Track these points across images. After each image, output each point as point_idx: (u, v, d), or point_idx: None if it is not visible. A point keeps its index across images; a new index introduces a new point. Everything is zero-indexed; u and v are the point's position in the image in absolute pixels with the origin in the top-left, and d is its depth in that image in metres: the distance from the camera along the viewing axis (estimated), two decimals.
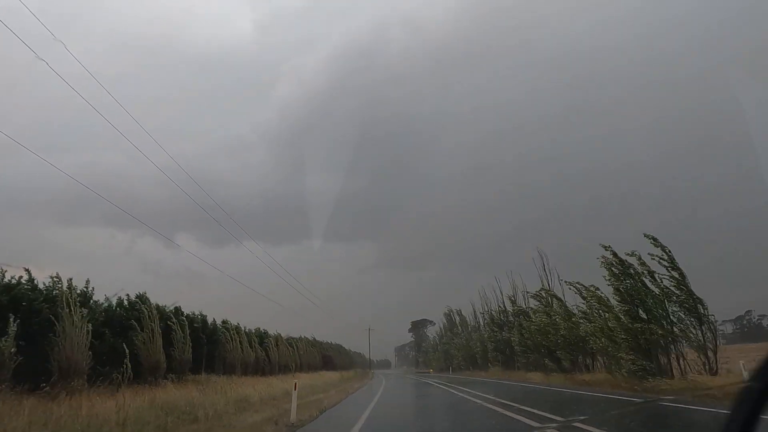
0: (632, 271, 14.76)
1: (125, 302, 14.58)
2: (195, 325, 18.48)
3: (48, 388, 8.95)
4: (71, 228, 79.02)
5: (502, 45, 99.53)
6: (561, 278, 23.65)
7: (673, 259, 13.98)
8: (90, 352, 10.42)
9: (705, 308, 12.98)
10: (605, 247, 15.95)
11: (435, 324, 73.78)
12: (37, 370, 9.35)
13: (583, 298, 19.36)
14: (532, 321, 23.42)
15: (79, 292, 12.38)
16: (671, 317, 13.58)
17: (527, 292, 26.69)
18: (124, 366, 10.73)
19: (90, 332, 10.08)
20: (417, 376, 40.46)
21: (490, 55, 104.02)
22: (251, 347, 22.50)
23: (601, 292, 15.65)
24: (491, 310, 37.51)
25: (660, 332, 13.00)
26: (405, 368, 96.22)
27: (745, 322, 78.69)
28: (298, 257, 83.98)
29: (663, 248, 14.30)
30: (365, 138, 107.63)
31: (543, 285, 25.01)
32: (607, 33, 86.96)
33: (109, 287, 14.28)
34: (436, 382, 24.16)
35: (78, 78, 12.07)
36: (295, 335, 34.87)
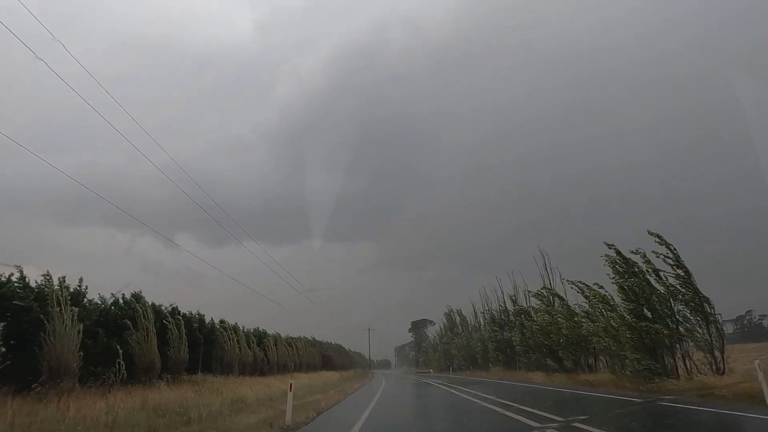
0: (636, 269, 14.50)
1: (120, 301, 14.37)
2: (192, 324, 18.27)
3: (39, 388, 8.72)
4: (71, 228, 78.90)
5: (502, 45, 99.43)
6: (563, 277, 23.44)
7: (679, 257, 13.70)
8: (81, 352, 10.18)
9: (711, 307, 12.70)
10: (609, 245, 15.69)
11: (435, 324, 73.66)
12: (26, 370, 9.10)
13: (586, 297, 19.13)
14: (533, 320, 23.15)
15: (72, 290, 12.18)
16: (676, 316, 13.31)
17: (529, 291, 26.43)
18: (117, 366, 10.47)
19: (81, 331, 9.82)
20: (417, 377, 40.20)
21: (490, 55, 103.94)
22: (249, 347, 22.25)
23: (606, 291, 15.36)
24: (492, 309, 37.28)
25: (666, 331, 12.73)
26: (405, 368, 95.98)
27: (745, 321, 78.59)
28: (298, 257, 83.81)
29: (668, 246, 14.01)
30: (365, 138, 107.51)
31: (544, 284, 24.74)
32: (607, 33, 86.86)
33: (109, 287, 14.17)
34: (436, 382, 23.90)
35: (78, 78, 12.03)
36: (295, 335, 34.71)
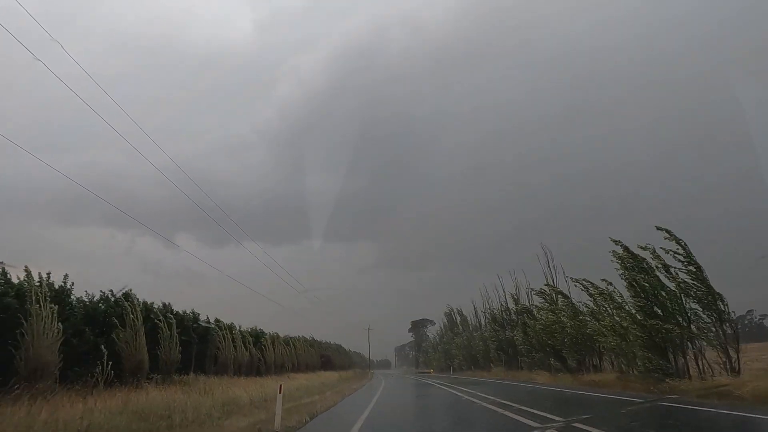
0: (645, 265, 13.96)
1: (111, 299, 13.86)
2: (185, 323, 17.73)
3: (18, 389, 8.20)
4: (71, 228, 78.32)
5: (502, 45, 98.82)
6: (566, 275, 22.91)
7: (690, 252, 13.15)
8: (62, 352, 9.66)
9: (725, 304, 12.16)
10: (615, 241, 15.17)
11: (435, 324, 73.16)
12: (3, 370, 8.58)
13: (590, 295, 18.61)
14: (536, 319, 22.61)
15: (57, 287, 11.66)
16: (688, 313, 12.76)
17: (532, 289, 25.88)
18: (101, 366, 9.93)
19: (61, 331, 9.29)
20: (417, 377, 39.64)
21: (490, 55, 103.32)
22: (245, 347, 21.71)
23: (614, 287, 14.82)
24: (493, 308, 36.74)
25: (677, 330, 12.18)
26: (405, 368, 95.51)
27: (746, 321, 78.16)
28: (298, 257, 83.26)
29: (678, 241, 13.47)
30: (365, 138, 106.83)
31: (547, 282, 24.18)
32: (607, 33, 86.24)
33: (110, 287, 13.76)
34: (437, 383, 23.35)
35: (78, 78, 11.88)
36: (295, 335, 34.19)
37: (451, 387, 18.43)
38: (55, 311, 9.29)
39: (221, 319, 21.40)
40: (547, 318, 20.93)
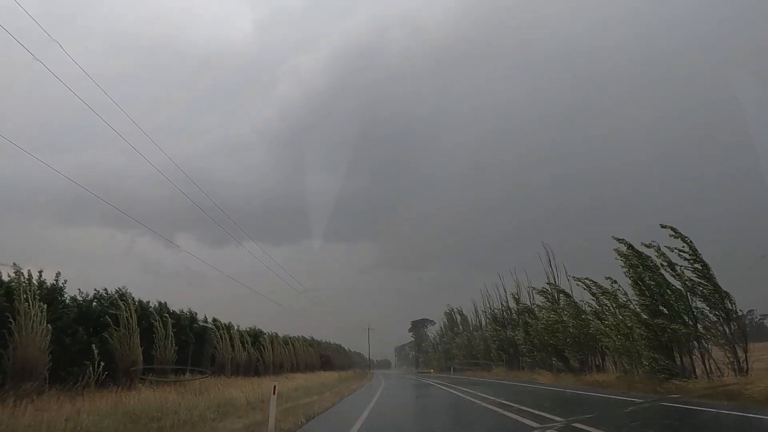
0: (650, 263, 13.69)
1: (106, 298, 13.62)
2: (182, 323, 17.47)
3: (4, 389, 7.94)
4: (71, 228, 78.04)
5: (502, 45, 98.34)
6: (569, 274, 22.59)
7: (696, 249, 12.87)
8: (52, 352, 9.41)
9: (732, 303, 11.89)
10: (619, 239, 14.91)
11: (435, 324, 72.90)
12: None
13: (593, 294, 18.33)
14: (538, 319, 22.33)
15: (49, 286, 11.41)
16: (694, 312, 12.49)
17: (533, 288, 25.57)
18: (92, 366, 9.67)
19: (50, 330, 9.02)
20: (417, 377, 39.34)
21: (490, 55, 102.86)
22: (243, 347, 21.44)
23: (619, 284, 14.53)
24: (494, 308, 36.46)
25: (684, 329, 11.90)
26: (405, 368, 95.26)
27: (747, 321, 77.84)
28: (298, 257, 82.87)
29: (684, 239, 13.20)
30: (365, 138, 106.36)
31: (549, 281, 23.89)
32: (607, 33, 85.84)
33: (109, 287, 13.68)
34: (438, 383, 23.06)
35: (78, 78, 11.85)
36: (295, 335, 33.95)
37: (452, 387, 18.14)
38: (44, 309, 9.02)
39: (222, 319, 21.23)
40: (549, 317, 20.65)
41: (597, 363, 18.80)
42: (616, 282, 14.50)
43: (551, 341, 20.70)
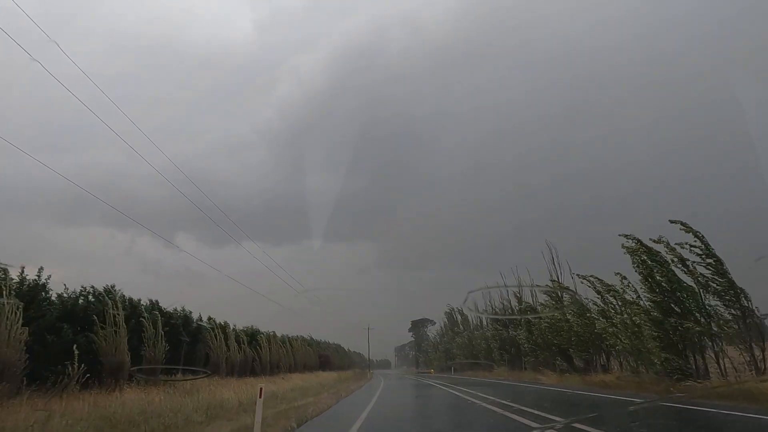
0: (660, 258, 13.16)
1: (91, 295, 13.10)
2: (174, 321, 16.95)
3: None
4: (71, 228, 77.56)
5: (502, 45, 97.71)
6: (573, 272, 22.04)
7: (708, 244, 12.34)
8: (31, 351, 8.89)
9: (748, 299, 11.33)
10: (626, 236, 14.38)
11: (435, 324, 72.43)
12: None
13: (598, 292, 17.81)
14: (541, 318, 21.77)
15: (31, 281, 10.90)
16: (708, 310, 11.94)
17: (537, 286, 25.04)
18: (72, 367, 9.12)
19: (26, 330, 8.48)
20: (418, 377, 38.78)
21: (490, 55, 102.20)
22: (239, 346, 20.89)
23: (628, 280, 13.97)
24: (495, 307, 35.91)
25: (698, 328, 11.35)
26: (405, 368, 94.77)
27: (748, 321, 77.26)
28: (298, 257, 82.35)
29: (695, 233, 12.66)
30: (365, 138, 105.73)
31: (553, 279, 23.34)
32: (607, 33, 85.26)
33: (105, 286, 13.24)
34: (438, 383, 22.49)
35: (78, 78, 11.89)
36: (294, 335, 33.45)
37: (454, 388, 17.58)
38: (20, 307, 8.47)
39: (222, 319, 20.82)
40: (553, 316, 20.11)
41: (602, 363, 18.26)
42: (625, 278, 13.93)
43: (555, 340, 20.16)
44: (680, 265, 12.89)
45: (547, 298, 22.55)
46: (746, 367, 10.95)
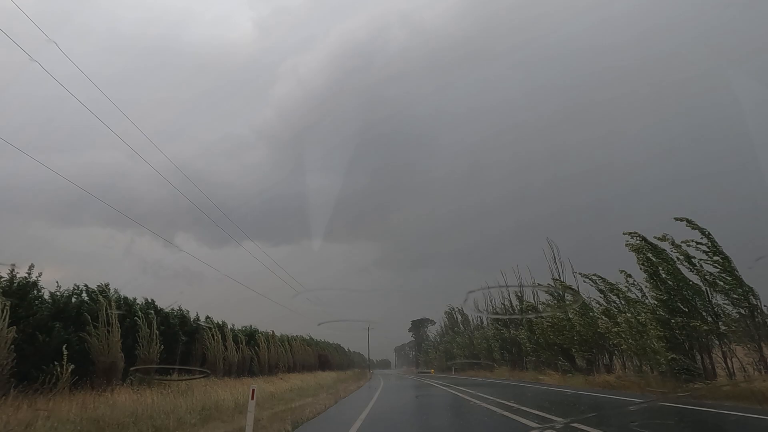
0: (665, 256, 12.89)
1: (84, 294, 12.84)
2: (171, 321, 16.70)
3: None
4: (71, 228, 77.37)
5: (502, 45, 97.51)
6: (575, 270, 21.76)
7: (715, 242, 12.08)
8: (20, 350, 8.65)
9: (757, 298, 11.06)
10: (631, 233, 14.12)
11: (435, 323, 72.20)
12: None
13: (600, 291, 17.56)
14: (543, 317, 21.50)
15: (20, 279, 10.64)
16: (715, 308, 11.67)
17: (539, 284, 24.76)
18: (60, 366, 8.86)
19: (9, 325, 8.21)
20: (418, 377, 38.50)
21: (489, 55, 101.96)
22: (237, 346, 20.62)
23: (633, 279, 13.70)
24: (496, 306, 35.64)
25: (705, 327, 11.07)
26: (405, 368, 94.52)
27: (757, 320, 76.87)
28: (297, 257, 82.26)
29: (701, 230, 12.40)
30: (365, 138, 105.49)
31: (554, 277, 23.05)
32: (606, 33, 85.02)
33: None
34: (439, 384, 22.21)
35: (78, 78, 11.89)
36: (294, 335, 33.21)
37: (455, 389, 17.29)
38: (7, 304, 8.21)
39: (221, 318, 20.61)
40: (555, 315, 19.83)
41: (605, 363, 17.99)
42: (630, 276, 13.65)
43: (557, 340, 19.88)
44: (686, 263, 12.64)
45: (549, 297, 22.29)
46: (755, 366, 10.67)
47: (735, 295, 11.16)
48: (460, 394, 14.20)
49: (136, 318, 13.20)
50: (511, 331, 29.35)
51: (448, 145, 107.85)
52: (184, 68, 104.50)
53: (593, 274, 18.04)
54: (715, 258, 11.84)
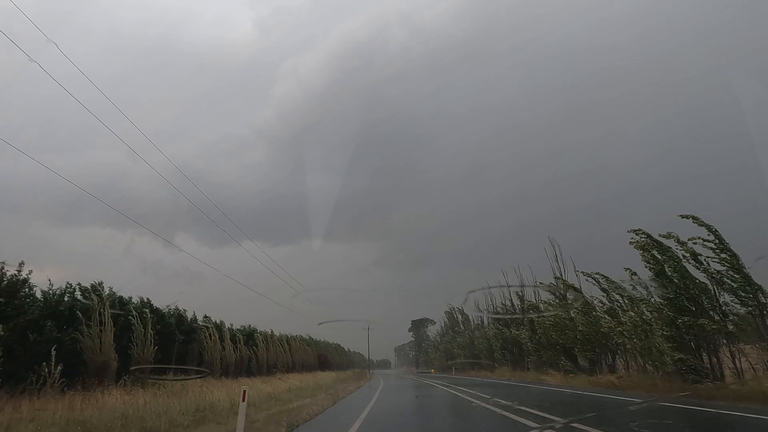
0: (671, 254, 12.62)
1: (78, 292, 12.58)
2: (167, 320, 16.43)
3: None
4: (70, 228, 77.16)
5: (502, 45, 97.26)
6: (577, 269, 21.48)
7: (722, 239, 11.80)
8: (8, 349, 8.39)
9: (766, 296, 10.77)
10: (635, 231, 13.85)
11: (435, 323, 71.95)
12: None
13: (603, 290, 17.29)
14: (545, 316, 21.22)
15: (9, 277, 10.38)
16: (722, 307, 11.39)
17: (541, 283, 24.48)
18: (49, 366, 8.60)
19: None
20: (418, 377, 38.22)
21: (489, 55, 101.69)
22: (235, 346, 20.36)
23: (639, 276, 13.42)
24: (496, 307, 35.36)
25: (714, 326, 10.79)
26: (405, 368, 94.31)
27: (767, 319, 76.53)
28: (297, 257, 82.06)
29: (708, 227, 12.13)
30: (365, 138, 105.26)
31: (556, 276, 22.78)
32: (606, 33, 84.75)
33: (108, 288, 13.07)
34: (440, 384, 21.94)
35: (78, 78, 11.94)
36: (294, 334, 32.98)
37: (456, 389, 17.02)
38: None
39: (221, 318, 20.40)
40: (557, 314, 19.56)
41: (609, 362, 17.70)
42: (635, 274, 13.36)
43: (560, 340, 19.60)
44: (692, 261, 12.36)
45: (551, 296, 22.01)
46: (765, 366, 10.39)
47: (743, 294, 10.88)
48: (460, 395, 13.93)
49: (130, 317, 12.94)
50: (512, 331, 29.07)
51: (448, 145, 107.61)
52: (184, 68, 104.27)
53: (596, 273, 17.79)
54: (723, 255, 11.56)
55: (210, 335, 18.16)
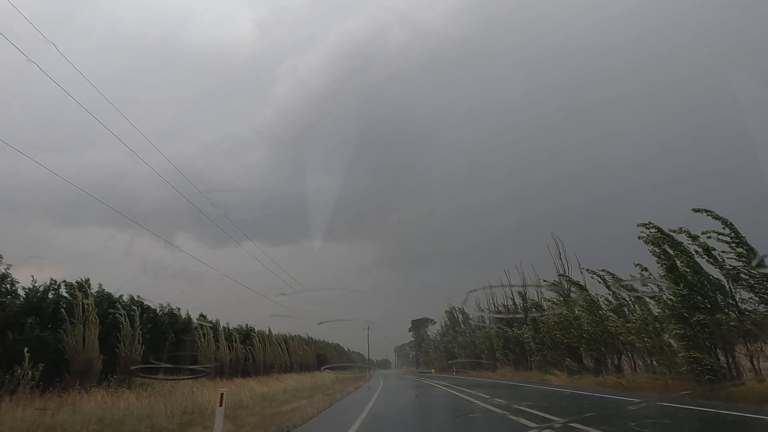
0: (683, 248, 12.08)
1: (62, 287, 12.07)
2: (159, 318, 15.90)
3: None
4: (70, 228, 76.72)
5: (502, 45, 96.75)
6: (582, 267, 20.92)
7: (738, 232, 11.25)
8: None
9: None
10: (645, 225, 13.31)
11: (436, 323, 71.43)
12: None
13: (608, 287, 16.75)
14: (549, 315, 20.66)
15: None
16: (739, 305, 10.84)
17: (544, 281, 23.92)
18: (22, 367, 8.05)
19: None
20: (418, 377, 37.67)
21: (489, 55, 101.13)
22: (230, 345, 19.82)
23: (649, 273, 12.86)
24: (498, 306, 34.82)
25: (732, 323, 10.24)
26: (405, 368, 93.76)
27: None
28: (298, 257, 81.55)
29: (723, 221, 11.57)
30: (365, 138, 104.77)
31: (560, 273, 22.22)
32: (606, 33, 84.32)
33: (108, 288, 13.20)
34: (440, 384, 21.38)
35: (77, 79, 11.96)
36: (293, 334, 32.51)
37: (457, 389, 16.47)
38: None
39: (221, 318, 19.95)
40: (561, 312, 19.00)
41: (615, 362, 17.15)
42: (646, 269, 12.80)
43: (564, 339, 19.05)
44: (705, 256, 11.82)
45: (554, 295, 21.43)
46: None
47: (762, 290, 10.33)
48: (460, 395, 13.39)
49: (117, 315, 12.40)
50: (515, 330, 28.52)
51: (448, 145, 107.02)
52: (184, 68, 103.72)
53: (602, 270, 17.27)
54: (739, 250, 11.01)
55: (204, 334, 17.62)
